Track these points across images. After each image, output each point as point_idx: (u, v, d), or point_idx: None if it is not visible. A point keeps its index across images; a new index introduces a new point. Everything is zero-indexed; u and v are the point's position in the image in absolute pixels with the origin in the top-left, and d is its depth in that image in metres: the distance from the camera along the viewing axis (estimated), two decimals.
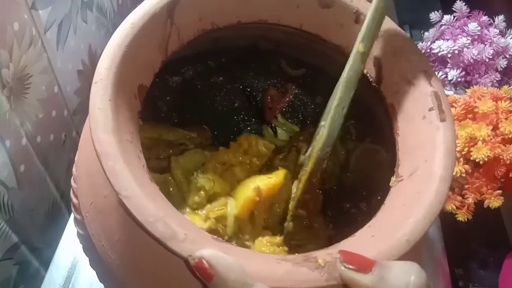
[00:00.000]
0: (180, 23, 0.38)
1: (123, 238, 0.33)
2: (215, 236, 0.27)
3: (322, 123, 0.39)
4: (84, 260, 0.56)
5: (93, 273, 0.40)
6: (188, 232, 0.27)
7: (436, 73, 0.69)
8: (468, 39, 0.69)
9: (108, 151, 0.29)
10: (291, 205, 0.41)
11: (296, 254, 0.29)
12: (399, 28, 0.40)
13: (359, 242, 0.30)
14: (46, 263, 0.59)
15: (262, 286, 0.26)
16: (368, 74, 0.40)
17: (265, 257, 0.28)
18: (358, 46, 0.37)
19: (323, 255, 0.28)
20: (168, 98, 0.49)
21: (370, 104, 0.42)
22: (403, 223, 0.30)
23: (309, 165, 0.39)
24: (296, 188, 0.41)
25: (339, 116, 0.38)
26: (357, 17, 0.40)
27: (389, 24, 0.39)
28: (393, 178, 0.36)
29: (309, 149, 0.40)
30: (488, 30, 0.70)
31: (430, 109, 0.36)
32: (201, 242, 0.27)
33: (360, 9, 0.40)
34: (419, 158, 0.34)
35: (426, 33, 0.74)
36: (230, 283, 0.26)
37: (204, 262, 0.26)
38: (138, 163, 0.30)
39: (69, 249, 0.58)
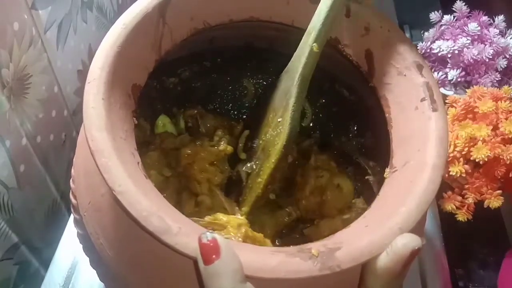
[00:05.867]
0: (172, 23, 0.38)
1: (120, 235, 0.33)
2: (210, 230, 0.27)
3: (279, 119, 0.41)
4: (84, 260, 0.56)
5: (93, 274, 0.40)
6: (182, 226, 0.27)
7: (436, 73, 0.69)
8: (468, 39, 0.68)
9: (102, 148, 0.29)
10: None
11: (291, 246, 0.29)
12: (387, 19, 0.39)
13: (353, 232, 0.30)
14: (46, 263, 0.59)
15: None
16: (361, 68, 0.40)
17: (258, 249, 0.28)
18: (312, 45, 0.38)
19: (317, 246, 0.28)
20: (165, 99, 0.50)
21: (365, 98, 0.42)
22: (396, 212, 0.30)
23: (272, 161, 0.41)
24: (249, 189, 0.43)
25: (298, 113, 0.41)
26: (348, 11, 0.40)
27: (376, 15, 0.39)
28: (387, 169, 0.36)
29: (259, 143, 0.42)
30: (488, 30, 0.69)
31: (422, 100, 0.36)
32: (195, 236, 0.27)
33: (349, 3, 0.40)
34: (412, 148, 0.34)
35: (426, 33, 0.74)
36: (226, 272, 0.26)
37: (218, 242, 0.26)
38: (132, 160, 0.30)
39: (69, 249, 0.59)
